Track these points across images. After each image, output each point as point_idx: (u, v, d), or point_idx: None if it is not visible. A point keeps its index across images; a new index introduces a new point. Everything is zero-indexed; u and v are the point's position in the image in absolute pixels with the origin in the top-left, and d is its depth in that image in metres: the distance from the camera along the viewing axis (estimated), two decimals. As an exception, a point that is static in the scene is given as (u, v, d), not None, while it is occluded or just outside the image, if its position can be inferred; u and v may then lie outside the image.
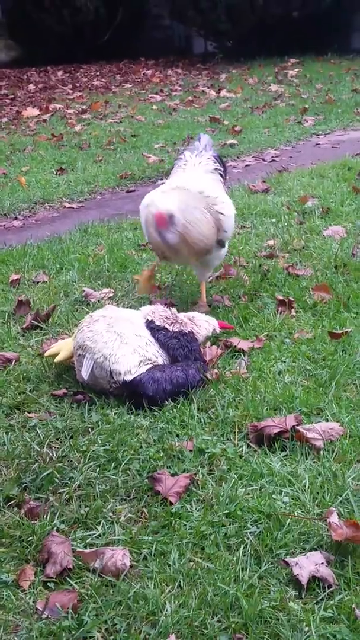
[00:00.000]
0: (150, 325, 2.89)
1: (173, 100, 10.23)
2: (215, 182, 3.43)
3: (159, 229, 3.06)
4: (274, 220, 4.84)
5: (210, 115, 8.65)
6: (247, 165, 6.72)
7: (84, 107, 10.26)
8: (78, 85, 12.88)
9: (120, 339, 2.80)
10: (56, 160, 7.03)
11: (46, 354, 3.01)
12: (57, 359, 2.97)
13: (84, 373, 2.81)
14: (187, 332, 2.92)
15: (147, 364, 2.79)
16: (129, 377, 2.73)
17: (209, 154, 3.54)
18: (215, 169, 3.51)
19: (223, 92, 10.46)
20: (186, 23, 14.52)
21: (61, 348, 2.96)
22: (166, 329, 2.88)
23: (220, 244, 3.35)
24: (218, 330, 3.08)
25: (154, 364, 2.80)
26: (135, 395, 2.72)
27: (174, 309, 3.01)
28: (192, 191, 3.17)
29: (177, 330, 2.89)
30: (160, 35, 16.13)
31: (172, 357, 2.86)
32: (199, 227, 3.15)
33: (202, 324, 3.02)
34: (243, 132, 7.86)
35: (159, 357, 2.84)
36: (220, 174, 3.55)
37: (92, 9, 14.90)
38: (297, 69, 12.44)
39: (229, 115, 8.82)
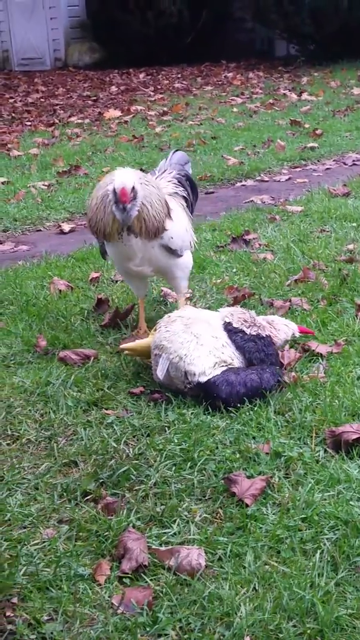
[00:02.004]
0: (228, 327, 2.88)
1: (254, 103, 10.20)
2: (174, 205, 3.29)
3: (123, 203, 2.95)
4: (354, 224, 4.78)
5: (291, 118, 8.59)
6: (327, 169, 6.66)
7: (165, 109, 10.31)
8: (159, 87, 12.95)
9: (197, 340, 2.80)
10: (136, 161, 7.08)
11: (122, 346, 3.05)
12: (128, 345, 3.00)
13: (160, 373, 2.82)
14: (264, 335, 2.90)
15: (223, 366, 2.78)
16: (203, 379, 2.73)
17: (170, 176, 3.41)
18: (176, 192, 3.37)
19: (304, 95, 10.38)
20: (269, 26, 14.45)
21: (139, 344, 2.98)
22: (243, 331, 2.87)
23: (170, 251, 3.21)
24: (298, 334, 3.06)
25: (230, 366, 2.80)
26: (209, 396, 2.72)
27: (252, 312, 2.99)
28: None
29: (254, 333, 2.88)
30: (242, 38, 16.08)
31: (248, 360, 2.85)
32: (155, 205, 3.04)
33: (281, 328, 3.00)
34: (324, 135, 7.79)
35: (235, 359, 2.83)
36: (184, 197, 3.41)
37: (176, 11, 14.97)
38: (380, 73, 12.26)
39: (310, 118, 8.75)
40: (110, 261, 3.57)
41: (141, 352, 2.99)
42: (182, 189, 3.42)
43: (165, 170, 3.43)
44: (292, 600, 1.85)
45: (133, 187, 2.94)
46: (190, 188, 3.49)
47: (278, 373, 2.81)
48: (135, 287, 3.40)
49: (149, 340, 2.95)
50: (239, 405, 2.68)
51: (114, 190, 2.95)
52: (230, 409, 2.67)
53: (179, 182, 3.41)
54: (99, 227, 3.06)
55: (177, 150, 3.61)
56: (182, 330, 2.83)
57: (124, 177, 2.97)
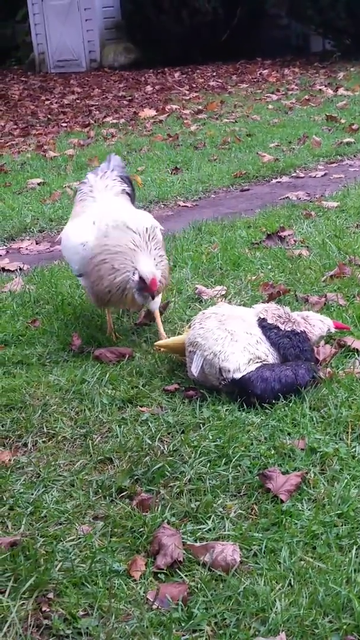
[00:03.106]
0: (262, 324, 2.87)
1: (289, 100, 10.15)
2: (126, 203, 3.48)
3: (153, 292, 3.10)
4: (391, 219, 4.73)
5: (327, 114, 8.53)
6: (364, 164, 6.60)
7: (200, 107, 10.31)
8: (194, 86, 12.95)
9: (231, 336, 2.79)
10: (171, 160, 7.09)
11: (157, 343, 3.07)
12: (163, 342, 3.04)
13: (194, 369, 2.82)
14: (299, 331, 2.88)
15: (257, 362, 2.77)
16: (237, 375, 2.72)
17: (114, 175, 3.54)
18: (123, 189, 3.54)
19: (340, 91, 10.30)
20: (304, 21, 14.37)
21: (174, 340, 2.99)
22: (278, 327, 2.86)
23: None
24: (333, 330, 3.04)
25: (264, 362, 2.78)
26: (243, 393, 2.71)
27: (287, 308, 2.98)
28: (134, 231, 3.15)
29: (289, 329, 2.86)
30: (277, 35, 15.99)
31: (283, 356, 2.83)
32: (166, 272, 3.29)
33: (316, 324, 2.98)
34: (361, 130, 7.72)
35: (270, 355, 2.82)
36: (128, 194, 3.57)
37: (211, 9, 14.95)
38: None
39: (347, 114, 8.67)
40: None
41: (176, 349, 2.99)
42: (127, 185, 3.58)
43: (107, 171, 3.57)
44: (327, 595, 1.84)
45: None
46: (130, 186, 3.64)
47: (313, 369, 2.79)
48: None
49: (183, 337, 2.95)
50: (273, 401, 2.67)
51: (142, 279, 3.06)
52: (265, 405, 2.66)
53: (122, 180, 3.57)
54: (111, 302, 3.23)
55: (114, 155, 3.76)
56: (217, 327, 2.83)
57: (151, 267, 3.08)
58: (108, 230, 3.18)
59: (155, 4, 15.04)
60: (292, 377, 2.71)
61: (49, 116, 11.08)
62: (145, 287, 3.07)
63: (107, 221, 3.20)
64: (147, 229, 3.17)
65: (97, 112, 11.02)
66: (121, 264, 3.10)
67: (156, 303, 3.26)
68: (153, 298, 3.13)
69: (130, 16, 16.16)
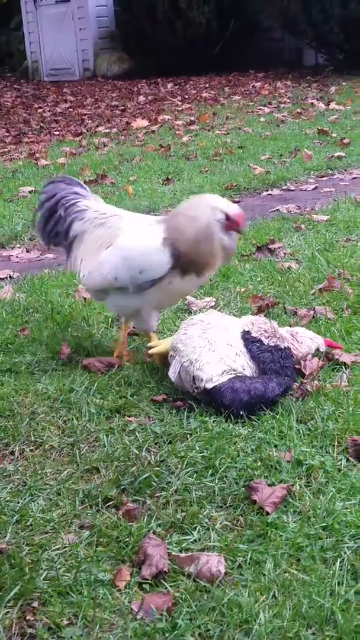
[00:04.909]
0: (246, 336, 2.88)
1: (281, 112, 10.20)
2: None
3: (239, 227, 3.01)
4: (380, 233, 4.76)
5: (319, 128, 8.58)
6: (354, 178, 6.64)
7: (192, 118, 10.35)
8: (187, 97, 13.00)
9: (210, 346, 2.81)
10: (163, 170, 7.12)
11: (151, 351, 3.08)
12: (156, 350, 3.05)
13: (172, 375, 2.87)
14: (282, 347, 2.89)
15: (231, 374, 2.78)
16: (209, 385, 2.74)
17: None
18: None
19: (332, 105, 10.36)
20: (298, 35, 14.46)
21: (165, 346, 3.01)
22: (261, 341, 2.87)
23: None
24: (323, 348, 3.05)
25: (239, 374, 2.79)
26: (213, 402, 2.74)
27: (275, 323, 2.98)
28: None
29: (272, 344, 2.87)
30: (270, 47, 16.08)
31: (263, 371, 2.84)
32: None
33: (305, 341, 3.00)
34: (351, 144, 7.76)
35: (247, 368, 2.83)
36: None
37: (204, 21, 15.02)
38: None
39: (338, 128, 8.73)
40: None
41: (166, 355, 3.00)
42: None
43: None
44: (311, 608, 1.85)
45: None
46: None
47: (285, 383, 2.79)
48: (153, 321, 3.24)
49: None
50: (242, 412, 2.68)
51: (228, 216, 2.96)
52: (252, 417, 2.68)
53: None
54: (200, 260, 3.00)
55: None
56: (198, 335, 2.85)
57: (228, 202, 3.01)
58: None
59: (149, 15, 15.11)
60: (261, 390, 2.73)
61: (42, 124, 11.10)
62: (231, 223, 2.97)
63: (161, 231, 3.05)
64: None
65: (90, 121, 11.04)
66: (199, 210, 3.00)
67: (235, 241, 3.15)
68: (241, 233, 3.07)
69: (124, 26, 16.24)
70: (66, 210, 3.27)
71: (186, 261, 2.99)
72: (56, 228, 3.29)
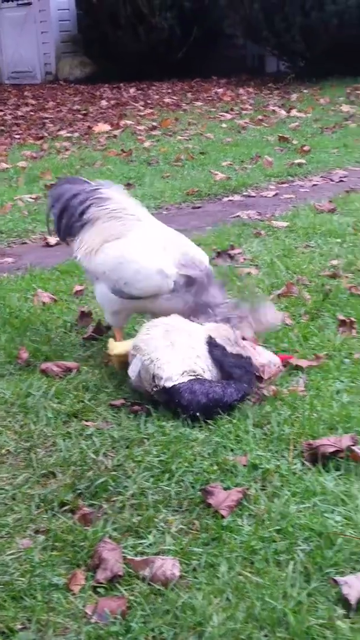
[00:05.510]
0: (210, 341, 2.90)
1: (243, 119, 10.27)
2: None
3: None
4: (338, 240, 4.81)
5: (280, 135, 8.65)
6: (314, 185, 6.70)
7: (154, 123, 10.37)
8: (149, 102, 13.02)
9: (172, 346, 2.83)
10: (124, 175, 7.12)
11: (113, 352, 3.08)
12: (114, 352, 3.06)
13: (132, 373, 2.87)
14: (245, 356, 2.91)
15: (192, 375, 2.80)
16: (169, 384, 2.76)
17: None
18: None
19: (293, 112, 10.45)
20: (260, 43, 14.54)
21: (125, 348, 3.01)
22: (224, 348, 2.89)
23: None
24: (281, 367, 3.05)
25: (199, 377, 2.81)
26: (170, 402, 2.76)
27: (238, 332, 3.00)
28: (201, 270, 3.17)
29: (235, 352, 2.90)
30: (233, 54, 16.17)
31: (224, 375, 2.86)
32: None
33: (263, 354, 3.03)
34: (312, 151, 7.85)
35: (207, 372, 2.85)
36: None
37: (167, 27, 15.05)
38: (369, 90, 12.36)
39: (299, 135, 8.81)
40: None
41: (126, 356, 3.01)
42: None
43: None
44: (264, 610, 1.86)
45: None
46: None
47: (244, 390, 2.82)
48: (125, 320, 3.33)
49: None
50: (198, 414, 2.70)
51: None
52: (209, 421, 2.69)
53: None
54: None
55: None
56: (161, 336, 2.87)
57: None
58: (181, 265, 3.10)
59: (111, 19, 15.10)
60: (220, 393, 2.75)
61: (2, 127, 11.02)
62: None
63: (176, 254, 3.11)
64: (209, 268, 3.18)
65: (51, 125, 11.00)
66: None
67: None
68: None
69: (86, 30, 16.22)
70: (88, 194, 3.30)
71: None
72: (78, 209, 3.28)
